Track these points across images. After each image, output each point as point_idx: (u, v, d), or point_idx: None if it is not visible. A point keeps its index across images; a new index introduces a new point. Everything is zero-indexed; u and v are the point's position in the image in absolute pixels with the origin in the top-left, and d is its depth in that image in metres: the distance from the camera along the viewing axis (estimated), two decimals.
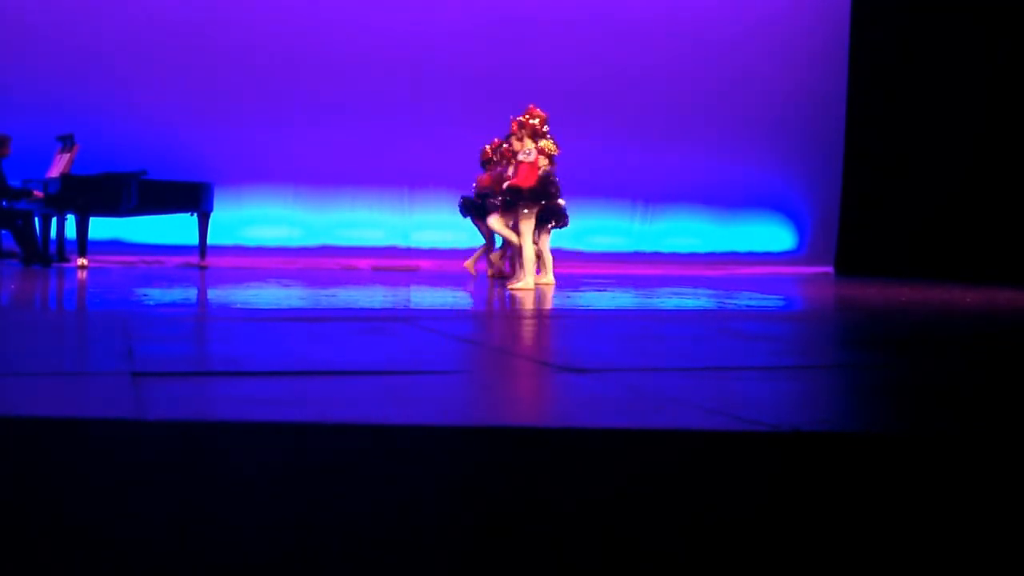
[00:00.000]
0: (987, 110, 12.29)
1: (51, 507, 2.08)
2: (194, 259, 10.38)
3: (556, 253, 9.16)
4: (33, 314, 5.53)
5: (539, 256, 8.33)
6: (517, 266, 8.34)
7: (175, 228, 10.96)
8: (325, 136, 11.65)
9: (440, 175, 10.32)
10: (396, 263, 10.10)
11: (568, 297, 7.33)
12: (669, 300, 7.30)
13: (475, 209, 9.22)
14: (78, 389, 2.79)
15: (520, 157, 7.77)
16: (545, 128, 7.81)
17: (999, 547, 2.33)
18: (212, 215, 10.37)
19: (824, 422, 2.60)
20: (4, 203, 9.50)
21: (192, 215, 10.24)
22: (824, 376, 3.56)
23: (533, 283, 7.83)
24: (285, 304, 6.13)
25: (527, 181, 7.69)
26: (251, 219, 11.77)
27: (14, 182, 9.73)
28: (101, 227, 10.41)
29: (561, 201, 8.39)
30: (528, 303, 6.79)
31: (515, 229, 8.06)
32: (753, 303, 7.28)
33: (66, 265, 9.68)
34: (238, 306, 5.93)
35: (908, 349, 4.55)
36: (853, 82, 12.96)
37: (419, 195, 11.35)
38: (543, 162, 8.22)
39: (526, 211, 7.71)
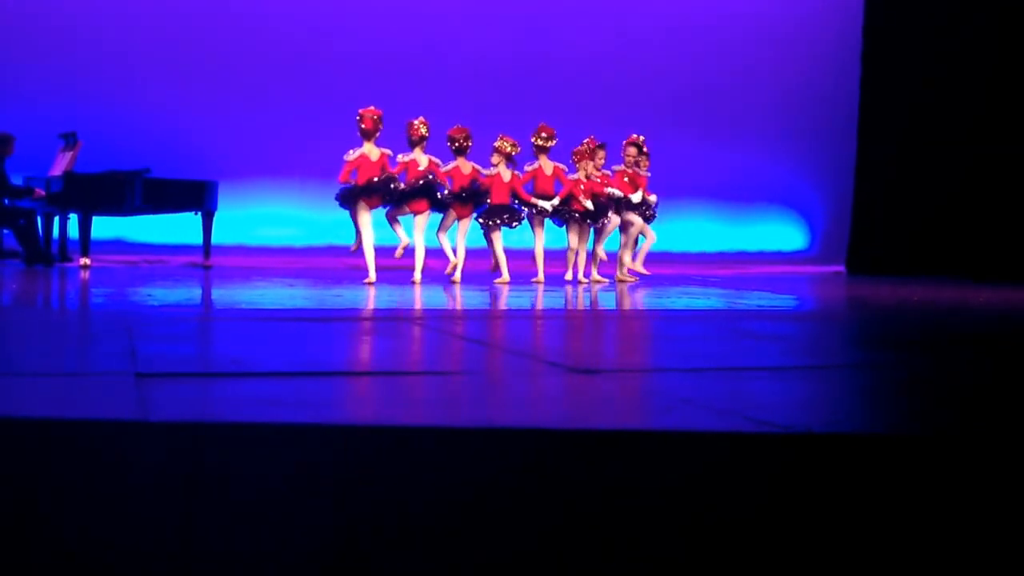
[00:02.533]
0: (1002, 108, 12.27)
1: (53, 508, 2.08)
2: (198, 259, 10.39)
3: (560, 253, 9.23)
4: (35, 314, 5.53)
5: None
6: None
7: (179, 227, 10.95)
8: (331, 135, 11.61)
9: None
10: (403, 263, 10.09)
11: (576, 297, 7.33)
12: (679, 300, 7.29)
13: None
14: (81, 390, 2.77)
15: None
16: (421, 132, 8.29)
17: (1013, 546, 2.31)
18: (216, 214, 10.37)
19: (836, 423, 2.59)
20: (6, 202, 9.50)
21: (196, 214, 10.24)
22: (836, 376, 3.55)
23: (418, 278, 8.29)
24: (290, 304, 6.13)
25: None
26: (256, 218, 11.77)
27: (16, 180, 9.73)
28: (104, 226, 10.41)
29: (539, 205, 8.60)
30: (524, 303, 6.78)
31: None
32: (764, 303, 7.27)
33: (69, 265, 9.68)
34: (242, 306, 5.93)
35: (921, 349, 4.54)
36: (866, 79, 12.94)
37: None
38: (496, 159, 8.52)
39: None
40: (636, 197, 9.13)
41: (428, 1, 12.18)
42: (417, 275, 8.32)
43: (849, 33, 13.01)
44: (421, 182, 8.18)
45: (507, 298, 7.25)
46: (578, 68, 12.26)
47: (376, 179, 8.03)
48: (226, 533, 2.13)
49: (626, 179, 9.18)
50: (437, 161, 8.38)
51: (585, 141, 8.89)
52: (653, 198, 9.40)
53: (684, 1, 12.81)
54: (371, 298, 6.82)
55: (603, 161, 9.04)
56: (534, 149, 8.74)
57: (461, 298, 7.11)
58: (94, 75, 11.23)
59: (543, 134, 8.72)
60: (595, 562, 2.23)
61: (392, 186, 8.05)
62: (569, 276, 8.95)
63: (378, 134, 8.14)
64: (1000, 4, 12.29)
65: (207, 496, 2.13)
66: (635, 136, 9.36)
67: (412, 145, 8.32)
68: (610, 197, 8.92)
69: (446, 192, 8.34)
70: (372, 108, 8.20)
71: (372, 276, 8.20)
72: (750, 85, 12.79)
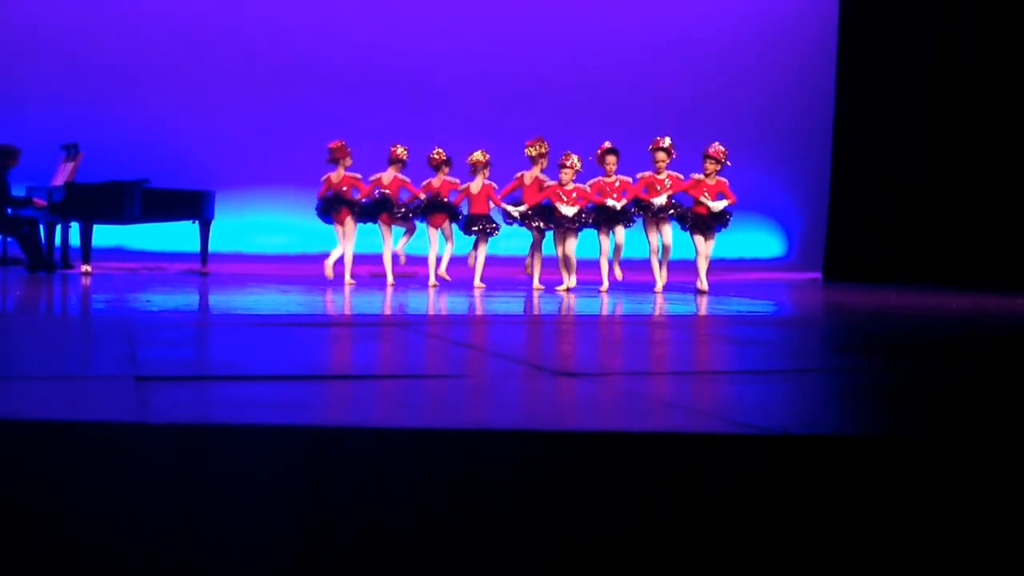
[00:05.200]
0: (977, 116, 12.33)
1: (54, 509, 2.11)
2: (196, 266, 10.45)
3: (546, 260, 9.27)
4: (38, 319, 5.56)
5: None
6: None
7: (177, 235, 11.01)
8: (325, 144, 11.67)
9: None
10: (395, 269, 10.15)
11: (560, 303, 7.38)
12: (660, 305, 7.34)
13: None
14: (82, 393, 2.81)
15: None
16: (396, 155, 9.15)
17: (984, 548, 2.37)
18: (213, 222, 10.42)
19: (813, 425, 2.63)
20: (9, 211, 9.57)
21: (194, 223, 10.30)
22: (813, 380, 3.58)
23: (391, 279, 9.21)
24: (285, 310, 6.16)
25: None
26: (252, 227, 11.82)
27: (19, 190, 9.81)
28: (105, 234, 10.46)
29: (508, 211, 8.86)
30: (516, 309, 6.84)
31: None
32: (743, 309, 7.32)
33: (70, 272, 9.72)
34: (239, 311, 5.96)
35: (896, 353, 4.58)
36: (841, 88, 12.95)
37: None
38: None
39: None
40: (659, 200, 8.70)
41: (425, 14, 12.24)
42: (389, 277, 9.29)
43: (824, 41, 13.01)
44: (378, 196, 9.11)
45: (496, 304, 7.31)
46: (551, 81, 12.30)
47: (330, 194, 9.15)
48: (224, 533, 2.15)
49: (666, 183, 8.74)
50: (404, 179, 9.11)
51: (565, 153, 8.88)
52: (719, 205, 8.77)
53: (660, 11, 12.83)
54: (364, 304, 6.88)
55: (614, 167, 8.78)
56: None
57: (449, 304, 7.16)
58: (95, 88, 11.30)
59: (527, 146, 8.89)
60: (578, 562, 2.25)
61: (339, 200, 9.10)
62: (564, 286, 8.92)
63: (345, 159, 9.14)
64: (976, 11, 12.36)
65: (206, 496, 2.16)
66: (658, 140, 8.93)
67: (388, 165, 9.16)
68: (603, 205, 8.81)
69: (397, 206, 9.10)
70: (338, 141, 9.26)
71: (348, 278, 9.19)
72: (726, 93, 12.78)
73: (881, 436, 2.52)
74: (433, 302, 7.32)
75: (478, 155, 8.93)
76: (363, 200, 9.13)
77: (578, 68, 12.45)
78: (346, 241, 9.22)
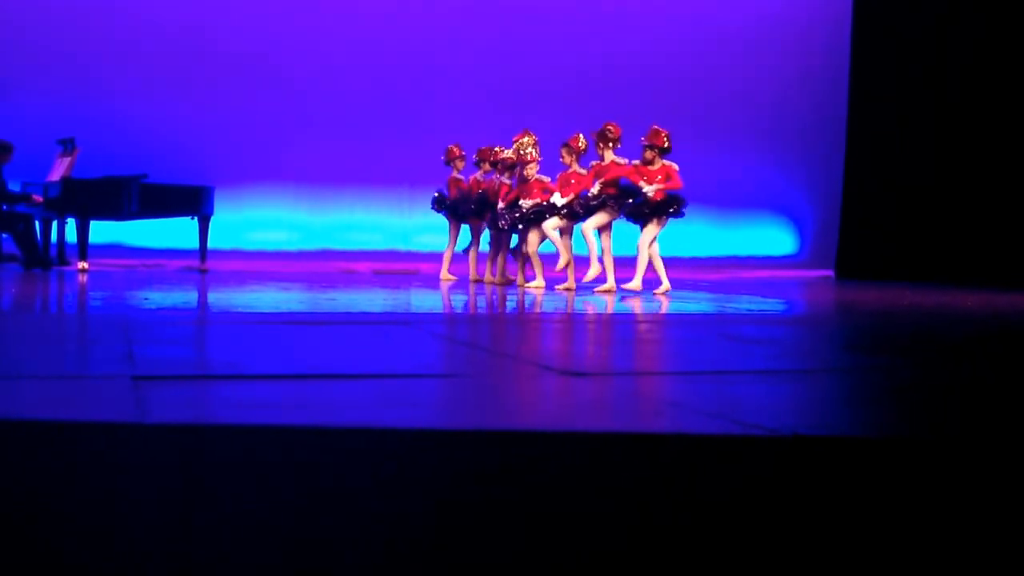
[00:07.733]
0: (991, 114, 12.33)
1: (52, 509, 2.09)
2: (195, 263, 10.42)
3: (547, 257, 9.28)
4: (34, 317, 5.55)
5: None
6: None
7: (176, 232, 10.99)
8: (325, 139, 11.68)
9: (440, 178, 10.39)
10: (396, 266, 10.16)
11: (567, 301, 7.36)
12: (669, 304, 7.32)
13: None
14: (78, 392, 2.79)
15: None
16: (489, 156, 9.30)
17: (996, 550, 2.34)
18: (212, 219, 10.40)
19: (824, 426, 2.60)
20: (5, 207, 9.54)
21: (192, 219, 10.27)
22: (824, 380, 3.56)
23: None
24: (285, 307, 6.15)
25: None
26: (251, 223, 11.80)
27: (14, 186, 9.77)
28: (102, 231, 10.44)
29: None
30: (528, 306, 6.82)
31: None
32: (753, 307, 7.30)
33: (67, 269, 9.71)
34: (238, 309, 5.95)
35: (909, 353, 4.57)
36: (854, 84, 12.99)
37: (419, 198, 11.35)
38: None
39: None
40: (593, 190, 8.24)
41: (428, 11, 12.22)
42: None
43: (838, 38, 13.05)
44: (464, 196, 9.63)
45: (498, 302, 7.29)
46: (561, 77, 12.31)
47: (444, 194, 9.83)
48: (223, 534, 2.13)
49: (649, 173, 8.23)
50: (478, 179, 9.48)
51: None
52: (650, 189, 8.16)
53: (674, 7, 12.85)
54: (366, 302, 6.86)
55: (568, 160, 8.53)
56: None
57: (452, 302, 7.15)
58: (92, 81, 11.28)
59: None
60: (586, 564, 2.24)
61: (441, 202, 9.81)
62: (534, 284, 8.80)
63: (456, 162, 9.70)
64: (993, 8, 12.36)
65: (204, 497, 2.15)
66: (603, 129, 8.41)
67: (477, 166, 9.58)
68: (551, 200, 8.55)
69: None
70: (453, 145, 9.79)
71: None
72: (739, 90, 12.82)
73: (893, 437, 2.51)
74: (436, 299, 7.30)
75: (506, 153, 9.05)
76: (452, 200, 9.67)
77: (592, 66, 12.45)
78: (450, 238, 9.81)
